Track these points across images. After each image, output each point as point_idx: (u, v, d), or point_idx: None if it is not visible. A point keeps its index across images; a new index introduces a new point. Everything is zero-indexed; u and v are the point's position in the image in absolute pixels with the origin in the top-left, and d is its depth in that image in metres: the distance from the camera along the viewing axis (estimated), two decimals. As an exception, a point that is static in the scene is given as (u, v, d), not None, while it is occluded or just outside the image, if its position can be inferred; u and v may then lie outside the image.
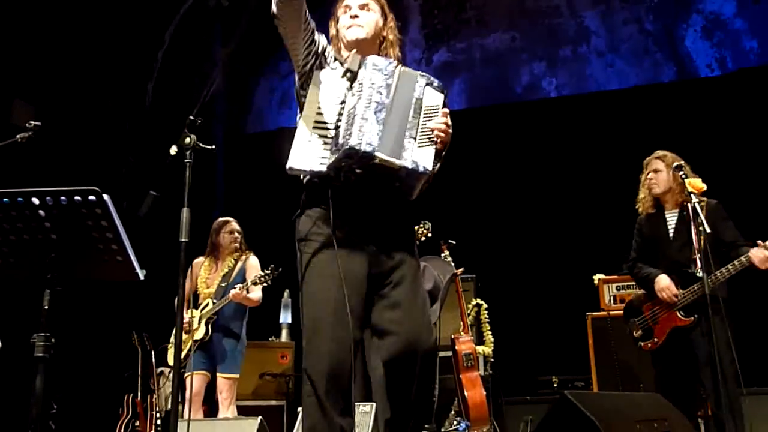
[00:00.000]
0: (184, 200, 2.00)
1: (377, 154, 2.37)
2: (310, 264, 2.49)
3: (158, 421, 5.69)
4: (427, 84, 2.59)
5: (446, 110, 2.58)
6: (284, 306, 6.57)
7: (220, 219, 5.24)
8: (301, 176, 2.56)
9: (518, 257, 6.75)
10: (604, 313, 4.81)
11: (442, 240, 4.56)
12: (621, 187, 4.56)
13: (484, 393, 3.98)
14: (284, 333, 6.51)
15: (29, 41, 6.45)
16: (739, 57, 7.04)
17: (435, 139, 2.51)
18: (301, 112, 2.57)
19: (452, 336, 4.40)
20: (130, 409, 5.87)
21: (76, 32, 6.76)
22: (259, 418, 3.75)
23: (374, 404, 3.55)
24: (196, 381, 4.58)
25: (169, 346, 5.05)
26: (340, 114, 2.47)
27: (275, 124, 8.30)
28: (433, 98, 2.59)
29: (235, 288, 4.64)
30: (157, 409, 5.75)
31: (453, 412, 4.48)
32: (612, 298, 4.96)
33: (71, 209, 2.17)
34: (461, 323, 4.37)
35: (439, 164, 2.56)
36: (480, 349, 4.92)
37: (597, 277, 5.19)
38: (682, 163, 3.88)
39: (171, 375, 5.33)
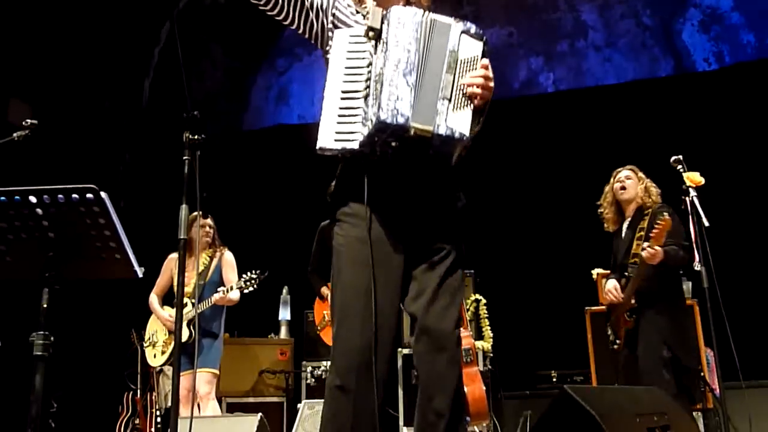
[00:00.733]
0: (183, 197, 1.98)
1: (412, 124, 2.14)
2: (343, 248, 2.29)
3: (158, 419, 5.69)
4: (463, 32, 2.24)
5: (485, 61, 2.23)
6: (283, 303, 6.57)
7: (192, 214, 5.17)
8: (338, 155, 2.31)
9: (517, 253, 6.75)
10: (603, 307, 4.79)
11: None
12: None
13: (484, 388, 3.97)
14: (283, 330, 6.51)
15: (26, 40, 6.44)
16: (737, 51, 7.05)
17: (472, 97, 2.19)
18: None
19: (452, 331, 4.40)
20: (130, 407, 5.88)
21: (72, 31, 6.75)
22: (259, 415, 3.75)
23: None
24: (183, 381, 4.52)
25: (146, 345, 5.01)
26: (367, 80, 2.23)
27: (272, 120, 8.28)
28: (471, 48, 2.24)
29: (218, 292, 4.58)
30: (157, 407, 5.75)
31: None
32: (611, 292, 4.97)
33: (69, 207, 2.16)
34: (461, 319, 4.37)
35: (479, 126, 2.26)
36: (479, 344, 4.92)
37: (596, 271, 5.19)
38: (680, 157, 3.88)
39: (171, 373, 5.32)
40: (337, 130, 2.21)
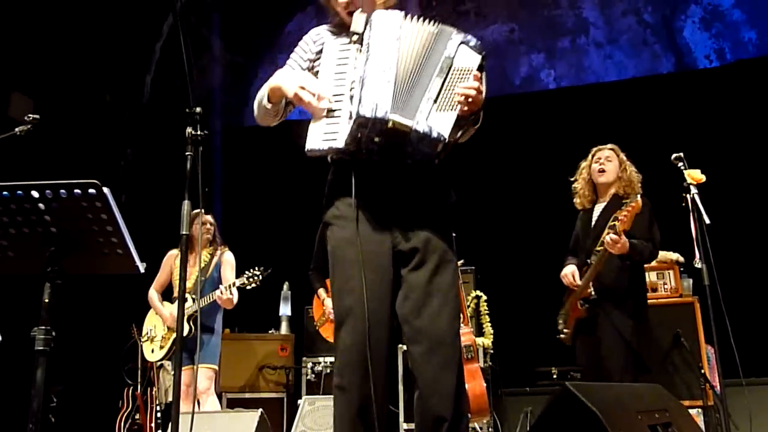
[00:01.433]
0: (185, 193, 1.98)
1: (390, 116, 2.21)
2: (334, 250, 2.36)
3: (158, 414, 5.70)
4: (462, 43, 2.33)
5: (478, 73, 2.28)
6: (284, 298, 6.57)
7: (194, 211, 5.19)
8: (328, 156, 2.39)
9: (517, 249, 6.75)
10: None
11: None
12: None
13: (484, 385, 3.98)
14: (284, 325, 6.52)
15: (27, 34, 6.43)
16: (738, 48, 7.04)
17: (458, 104, 2.24)
18: None
19: (452, 328, 4.40)
20: (130, 402, 5.88)
21: (74, 25, 6.74)
22: (260, 410, 3.76)
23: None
24: (183, 376, 4.53)
25: (144, 339, 5.01)
26: (353, 82, 2.31)
27: (273, 116, 8.27)
28: (467, 59, 2.32)
29: (218, 290, 4.59)
30: (157, 402, 5.76)
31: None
32: (611, 289, 4.98)
33: (71, 202, 2.15)
34: (461, 315, 4.38)
35: (463, 133, 2.36)
36: (479, 340, 4.92)
37: (596, 268, 5.19)
38: (681, 154, 3.87)
39: (171, 368, 5.33)
40: (325, 131, 2.28)
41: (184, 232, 1.96)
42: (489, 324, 5.22)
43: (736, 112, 6.47)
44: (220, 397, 5.28)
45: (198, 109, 2.07)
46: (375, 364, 2.20)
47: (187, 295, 4.71)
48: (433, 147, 2.27)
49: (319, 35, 2.53)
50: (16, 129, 3.32)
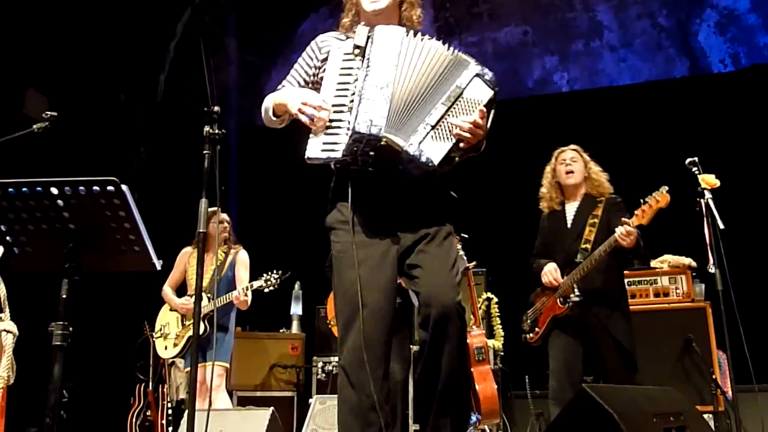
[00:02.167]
0: (202, 191, 2.00)
1: (384, 134, 2.25)
2: (336, 255, 2.45)
3: (169, 411, 5.73)
4: (477, 75, 2.35)
5: (484, 109, 2.30)
6: (295, 298, 6.59)
7: (210, 209, 5.21)
8: (331, 164, 2.45)
9: (529, 251, 6.73)
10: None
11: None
12: (631, 183, 4.54)
13: (495, 387, 3.98)
14: (295, 324, 6.54)
15: (42, 32, 6.48)
16: (753, 52, 7.00)
17: (455, 136, 2.29)
18: None
19: (463, 329, 4.41)
20: (142, 398, 5.91)
21: (89, 23, 6.78)
22: (271, 409, 3.77)
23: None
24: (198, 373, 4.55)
25: (157, 336, 5.04)
26: (353, 94, 2.34)
27: (287, 116, 8.30)
28: (478, 92, 2.33)
29: (235, 291, 4.63)
30: (169, 399, 5.78)
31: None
32: (623, 293, 4.97)
33: (89, 199, 2.18)
34: (472, 317, 4.38)
35: (461, 158, 2.39)
36: (490, 342, 4.92)
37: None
38: (696, 159, 3.85)
39: (183, 366, 5.36)
40: (324, 141, 2.32)
41: (201, 230, 1.97)
42: (500, 326, 5.22)
43: (751, 116, 6.43)
44: (230, 395, 5.30)
45: (216, 108, 2.08)
46: (372, 364, 2.29)
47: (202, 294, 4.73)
48: (421, 170, 2.30)
49: (324, 42, 2.57)
50: (34, 126, 3.34)
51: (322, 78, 2.46)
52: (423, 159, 2.25)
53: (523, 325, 4.17)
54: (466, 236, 4.30)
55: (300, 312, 6.57)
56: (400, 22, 2.56)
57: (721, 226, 3.50)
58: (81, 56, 6.82)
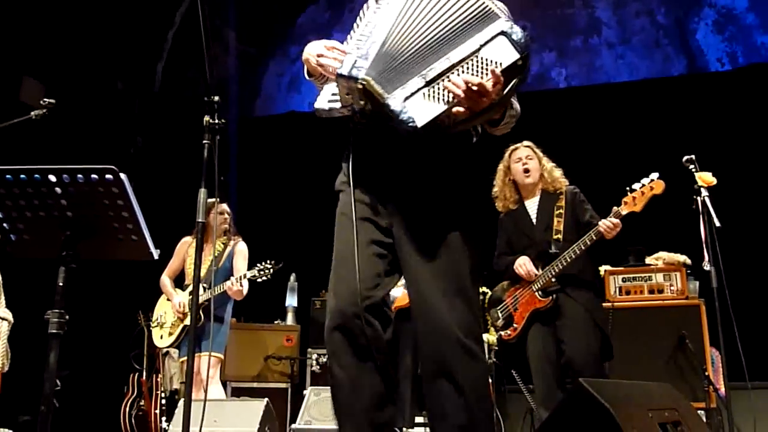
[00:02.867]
0: (201, 181, 2.00)
1: (364, 77, 1.94)
2: (338, 217, 2.22)
3: (163, 401, 5.73)
4: (501, 33, 1.92)
5: (498, 74, 1.89)
6: (290, 289, 6.60)
7: (209, 200, 5.19)
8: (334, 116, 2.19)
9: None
10: (609, 304, 4.82)
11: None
12: (628, 180, 4.55)
13: (490, 381, 4.00)
14: (290, 316, 6.54)
15: (39, 19, 6.45)
16: (751, 52, 7.02)
17: (450, 97, 1.91)
18: None
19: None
20: (135, 388, 5.92)
21: (87, 10, 6.75)
22: (265, 400, 3.78)
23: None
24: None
25: (153, 325, 5.04)
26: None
27: (284, 108, 8.30)
28: (501, 53, 1.92)
29: (229, 281, 4.63)
30: (162, 389, 5.79)
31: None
32: (618, 289, 4.98)
33: (88, 187, 2.17)
34: (477, 321, 4.39)
35: (452, 127, 2.00)
36: (484, 337, 4.93)
37: (603, 268, 5.19)
38: (692, 157, 3.87)
39: (178, 356, 5.36)
40: (333, 91, 2.11)
41: (200, 220, 1.97)
42: (494, 321, 5.22)
43: (748, 115, 6.46)
44: (224, 386, 5.30)
45: (216, 98, 2.07)
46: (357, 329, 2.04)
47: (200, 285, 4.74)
48: (403, 130, 1.93)
49: None
50: (32, 113, 3.32)
51: None
52: (404, 117, 1.90)
53: (494, 323, 4.10)
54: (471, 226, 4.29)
55: (295, 303, 6.58)
56: None
57: (717, 224, 3.52)
58: (78, 44, 6.79)
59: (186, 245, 5.02)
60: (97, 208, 2.21)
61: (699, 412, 4.31)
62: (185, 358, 4.54)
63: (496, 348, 5.13)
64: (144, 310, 5.90)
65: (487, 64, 1.91)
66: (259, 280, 4.56)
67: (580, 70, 7.62)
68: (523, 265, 3.88)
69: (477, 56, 1.92)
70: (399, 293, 4.79)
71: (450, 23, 1.96)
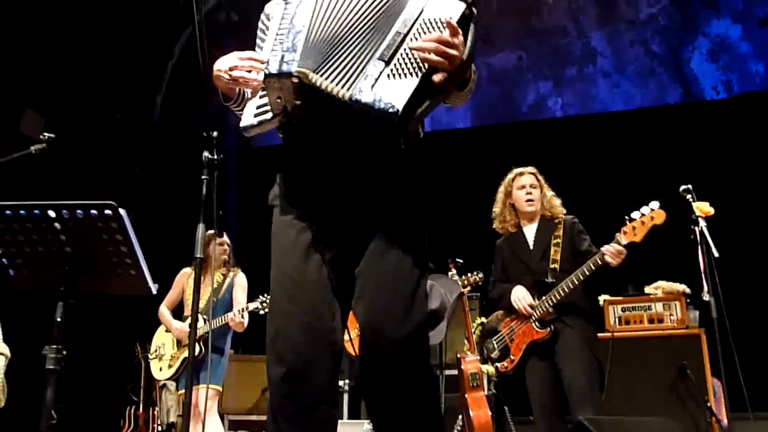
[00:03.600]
0: (200, 216, 2.00)
1: (297, 69, 1.74)
2: (272, 236, 2.02)
3: (160, 434, 5.67)
4: None
5: (454, 23, 1.72)
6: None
7: (209, 231, 5.17)
8: (278, 132, 2.01)
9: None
10: (609, 334, 4.80)
11: (449, 258, 4.55)
12: (625, 209, 4.55)
13: (490, 413, 3.96)
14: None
15: (39, 51, 6.50)
16: (745, 80, 7.08)
17: (422, 65, 1.71)
18: None
19: (458, 355, 4.40)
20: (132, 421, 5.86)
21: (86, 43, 6.81)
22: (264, 433, 3.74)
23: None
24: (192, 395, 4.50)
25: (152, 357, 5.00)
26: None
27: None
28: (444, 8, 1.77)
29: (231, 313, 4.61)
30: (159, 422, 5.73)
31: None
32: (617, 319, 4.96)
33: (87, 223, 2.18)
34: (467, 342, 4.37)
35: (430, 104, 1.78)
36: (484, 368, 4.90)
37: (602, 298, 5.17)
38: (689, 187, 3.87)
39: (175, 388, 5.31)
40: (258, 104, 1.93)
41: (198, 256, 1.97)
42: (494, 351, 5.19)
43: (744, 144, 6.49)
44: (222, 418, 5.25)
45: (215, 133, 2.08)
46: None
47: (198, 315, 4.71)
48: (384, 123, 1.72)
49: (269, 7, 2.11)
50: (32, 147, 3.34)
51: None
52: (380, 106, 1.68)
53: (490, 354, 4.03)
54: (461, 261, 4.30)
55: (293, 335, 6.51)
56: None
57: (716, 255, 3.52)
58: (79, 76, 6.84)
59: (185, 276, 5.00)
60: (95, 243, 2.21)
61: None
62: (182, 391, 4.50)
63: (495, 379, 5.09)
64: (141, 342, 5.86)
65: (438, 23, 1.75)
66: (261, 312, 4.54)
67: (576, 98, 7.68)
68: (521, 299, 3.82)
69: (423, 19, 1.76)
70: None
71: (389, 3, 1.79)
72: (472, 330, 4.72)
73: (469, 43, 1.78)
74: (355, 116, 1.77)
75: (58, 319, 2.24)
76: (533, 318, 3.82)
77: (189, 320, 4.85)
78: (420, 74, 1.71)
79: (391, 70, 1.72)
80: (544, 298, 3.80)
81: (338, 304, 1.92)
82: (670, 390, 4.57)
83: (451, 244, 4.61)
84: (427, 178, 2.00)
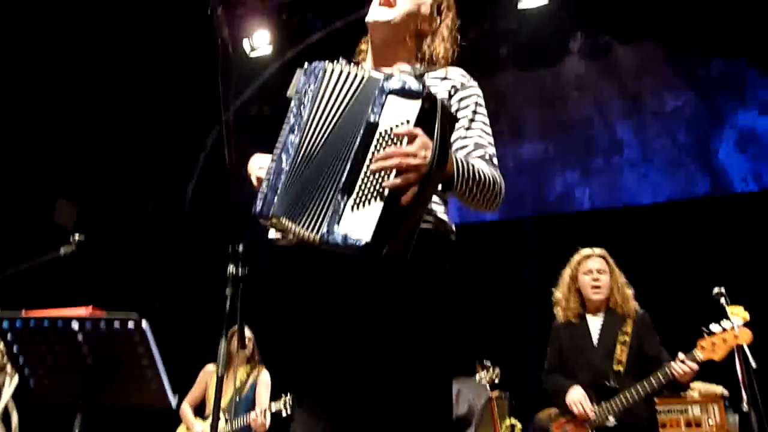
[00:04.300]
0: (223, 332, 1.97)
1: (273, 213, 1.72)
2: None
3: None
4: (389, 93, 1.62)
5: (415, 130, 1.58)
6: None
7: (232, 327, 5.11)
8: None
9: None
10: None
11: (476, 360, 4.44)
12: (660, 309, 4.41)
13: None
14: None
15: (73, 142, 6.69)
16: (775, 171, 7.03)
17: (379, 190, 1.57)
18: None
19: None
20: None
21: (120, 133, 7.01)
22: None
23: None
24: None
25: None
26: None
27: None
28: (399, 112, 1.61)
29: (253, 413, 4.53)
30: None
31: None
32: (652, 423, 4.78)
33: (109, 336, 2.18)
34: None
35: (409, 219, 1.62)
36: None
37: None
38: (722, 289, 3.72)
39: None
40: None
41: (219, 374, 1.93)
42: (524, 454, 5.01)
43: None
44: None
45: (240, 247, 2.08)
46: None
47: (220, 414, 4.64)
48: (357, 256, 1.62)
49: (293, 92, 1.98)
50: (61, 250, 3.39)
51: None
52: (349, 242, 1.56)
53: None
54: (489, 363, 4.19)
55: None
56: (417, 56, 2.01)
57: (754, 366, 3.35)
58: (111, 165, 7.01)
59: (209, 374, 4.95)
60: (117, 355, 2.21)
61: None
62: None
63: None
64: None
65: (393, 133, 1.62)
66: (284, 414, 4.44)
67: (603, 188, 7.66)
68: (578, 403, 3.56)
69: (379, 132, 1.63)
70: None
71: (343, 113, 1.71)
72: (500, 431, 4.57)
73: (437, 138, 1.59)
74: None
75: (76, 431, 2.22)
76: (590, 425, 3.60)
77: (210, 419, 4.76)
78: (383, 198, 1.57)
79: (354, 200, 1.60)
80: (604, 404, 3.58)
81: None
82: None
83: (478, 344, 4.51)
84: (456, 283, 1.87)
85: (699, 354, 3.48)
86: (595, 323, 3.79)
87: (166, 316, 6.54)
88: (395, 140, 1.60)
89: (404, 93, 1.62)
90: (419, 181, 1.58)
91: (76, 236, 3.39)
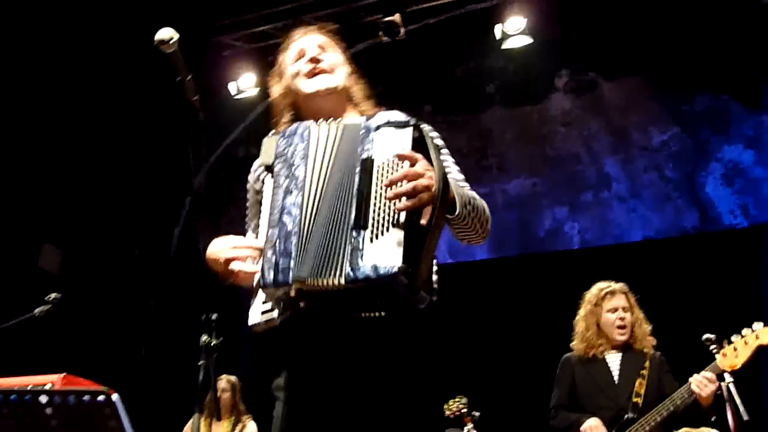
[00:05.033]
0: (196, 408, 1.91)
1: (296, 277, 1.66)
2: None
3: None
4: (377, 128, 1.71)
5: (413, 154, 1.63)
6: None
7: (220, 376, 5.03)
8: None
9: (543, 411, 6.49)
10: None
11: (467, 413, 4.35)
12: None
13: None
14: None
15: (58, 186, 6.65)
16: (762, 203, 7.04)
17: (397, 212, 1.60)
18: None
19: None
20: None
21: (105, 177, 6.98)
22: None
23: None
24: None
25: None
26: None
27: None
28: (392, 143, 1.68)
29: None
30: None
31: None
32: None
33: (79, 409, 2.12)
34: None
35: (429, 242, 1.63)
36: None
37: None
38: (713, 336, 3.64)
39: None
40: (263, 300, 1.83)
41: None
42: None
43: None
44: None
45: (214, 316, 2.02)
46: None
47: None
48: (396, 291, 1.60)
49: (257, 171, 2.05)
50: (36, 310, 3.33)
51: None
52: (380, 274, 1.55)
53: None
54: (478, 414, 4.11)
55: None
56: (350, 105, 2.03)
57: (746, 417, 3.26)
58: (96, 208, 6.96)
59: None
60: (86, 428, 2.14)
61: None
62: None
63: None
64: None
65: (393, 161, 1.67)
66: None
67: (593, 223, 7.66)
68: (596, 428, 3.46)
69: (377, 165, 1.68)
70: None
71: (338, 163, 1.75)
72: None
73: (435, 162, 1.65)
74: (358, 298, 1.67)
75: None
76: None
77: None
78: (400, 225, 1.60)
79: (371, 232, 1.61)
80: None
81: None
82: None
83: (467, 394, 4.42)
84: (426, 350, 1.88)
85: (721, 362, 3.37)
86: (614, 361, 3.72)
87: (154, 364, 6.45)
88: (396, 168, 1.65)
89: (392, 124, 1.70)
90: (433, 200, 1.62)
91: (52, 295, 3.33)
